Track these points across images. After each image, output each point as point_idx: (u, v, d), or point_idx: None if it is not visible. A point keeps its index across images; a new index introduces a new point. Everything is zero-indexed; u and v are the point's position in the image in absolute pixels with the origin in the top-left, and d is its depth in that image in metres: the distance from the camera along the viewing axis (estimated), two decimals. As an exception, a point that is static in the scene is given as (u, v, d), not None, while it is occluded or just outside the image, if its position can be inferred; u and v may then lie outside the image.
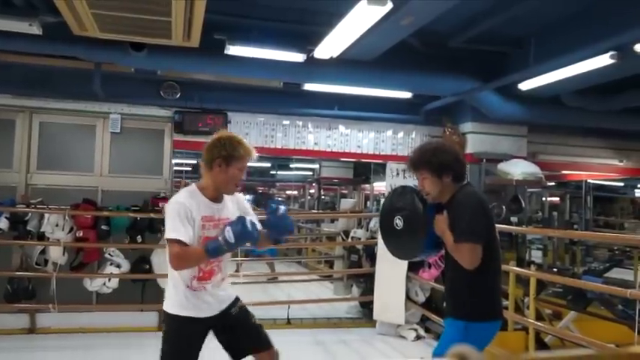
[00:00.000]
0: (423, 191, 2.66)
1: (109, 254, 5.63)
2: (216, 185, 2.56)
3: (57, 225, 5.43)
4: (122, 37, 4.53)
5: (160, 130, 6.21)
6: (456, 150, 2.74)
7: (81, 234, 5.52)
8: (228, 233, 2.34)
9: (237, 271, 8.28)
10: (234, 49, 4.89)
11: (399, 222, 2.71)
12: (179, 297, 2.59)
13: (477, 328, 2.51)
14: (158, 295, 5.80)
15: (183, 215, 2.45)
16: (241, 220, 2.38)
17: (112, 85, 5.79)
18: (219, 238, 2.37)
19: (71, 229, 5.50)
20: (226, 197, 2.65)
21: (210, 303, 2.64)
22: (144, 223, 5.71)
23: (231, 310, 2.74)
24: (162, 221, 5.79)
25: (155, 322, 5.78)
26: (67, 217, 5.45)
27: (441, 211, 2.60)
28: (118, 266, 5.60)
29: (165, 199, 5.89)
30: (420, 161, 2.66)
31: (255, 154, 2.60)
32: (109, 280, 5.54)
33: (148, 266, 5.73)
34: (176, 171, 7.03)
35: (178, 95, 6.20)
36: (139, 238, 5.70)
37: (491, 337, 2.59)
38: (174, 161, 6.46)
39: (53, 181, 5.87)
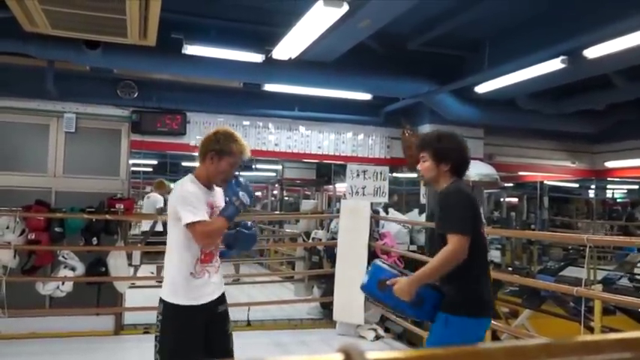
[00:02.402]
0: (421, 171, 2.68)
1: (63, 257, 5.48)
2: (207, 175, 2.70)
3: (7, 227, 5.27)
4: (75, 35, 4.43)
5: (116, 130, 6.08)
6: (463, 144, 2.70)
7: (33, 236, 5.36)
8: (244, 197, 2.60)
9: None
10: (191, 49, 4.85)
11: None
12: (182, 285, 2.63)
13: (457, 322, 2.45)
14: (114, 298, 5.71)
15: (195, 199, 2.58)
16: (246, 186, 2.67)
17: (66, 83, 5.65)
18: (234, 202, 2.59)
19: (23, 232, 5.34)
20: (216, 187, 2.79)
21: (210, 287, 2.69)
22: (99, 225, 5.59)
23: (218, 306, 2.76)
24: (118, 223, 5.71)
25: (111, 325, 5.68)
26: (18, 219, 5.28)
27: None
28: (73, 269, 5.46)
29: (122, 199, 5.79)
30: (425, 141, 2.69)
31: (248, 153, 2.73)
32: (63, 283, 5.39)
33: (104, 269, 5.61)
34: (133, 172, 6.90)
35: (136, 95, 6.10)
36: (94, 240, 5.57)
37: (475, 334, 2.49)
38: (131, 162, 6.35)
39: (4, 182, 5.67)
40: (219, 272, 2.79)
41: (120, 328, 5.75)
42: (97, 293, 5.62)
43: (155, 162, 13.65)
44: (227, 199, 2.65)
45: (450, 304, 2.50)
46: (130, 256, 6.13)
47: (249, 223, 2.91)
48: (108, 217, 5.54)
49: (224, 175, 2.67)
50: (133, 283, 6.72)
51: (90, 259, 5.63)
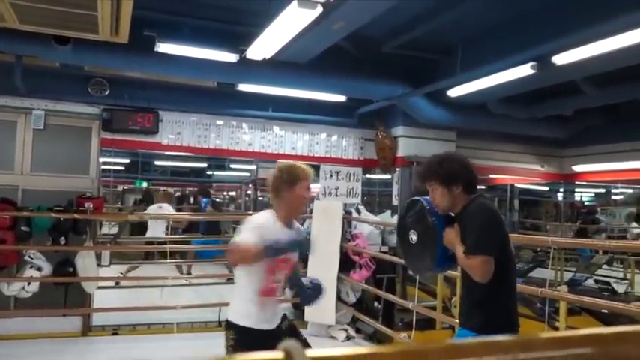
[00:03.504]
0: (434, 203, 2.56)
1: (29, 256, 5.37)
2: (288, 208, 2.83)
3: (-29, 226, 5.14)
4: (45, 30, 4.34)
5: (87, 127, 5.98)
6: (465, 159, 2.62)
7: (-2, 235, 5.24)
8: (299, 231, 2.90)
9: (189, 272, 8.17)
10: (164, 47, 4.80)
11: (413, 236, 2.65)
12: (248, 308, 2.73)
13: None
14: (82, 298, 5.62)
15: (256, 227, 2.68)
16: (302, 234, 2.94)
17: (35, 79, 5.54)
18: (281, 242, 2.68)
19: (-12, 231, 5.21)
20: (295, 224, 2.95)
21: (272, 314, 2.82)
22: (68, 224, 5.49)
23: (280, 324, 2.88)
24: (87, 222, 5.62)
25: (79, 327, 5.58)
26: (-17, 218, 5.16)
27: (451, 223, 2.52)
28: (39, 269, 5.35)
29: (91, 198, 5.69)
30: (428, 172, 2.58)
31: (312, 174, 2.93)
32: (29, 283, 5.28)
33: (71, 269, 5.51)
34: (104, 170, 6.79)
35: (107, 92, 6.00)
36: (62, 240, 5.47)
37: None
38: (102, 160, 6.25)
39: (-31, 180, 5.54)
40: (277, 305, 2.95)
41: (88, 330, 5.66)
42: (65, 294, 5.52)
43: (127, 161, 13.48)
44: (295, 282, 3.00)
45: (478, 323, 2.47)
46: (99, 256, 6.04)
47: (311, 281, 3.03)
48: (76, 216, 5.45)
49: (305, 200, 2.89)
50: (117, 282, 6.64)
51: (57, 259, 5.53)
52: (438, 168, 2.53)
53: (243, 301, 2.74)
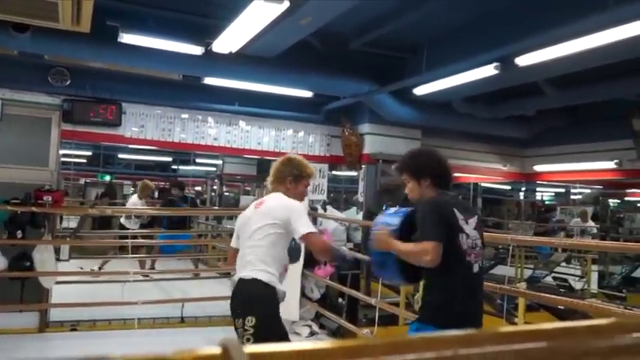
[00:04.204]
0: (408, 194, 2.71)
1: (-16, 250, 5.20)
2: (287, 195, 3.04)
3: None
4: (2, 17, 4.19)
5: (46, 118, 5.82)
6: (436, 155, 2.73)
7: (-50, 228, 5.07)
8: (350, 256, 3.54)
9: (152, 267, 8.03)
10: (128, 38, 4.71)
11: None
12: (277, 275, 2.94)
13: (428, 331, 2.37)
14: (39, 293, 5.47)
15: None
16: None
17: (-8, 68, 5.36)
18: (347, 256, 3.33)
19: (-61, 223, 5.03)
20: None
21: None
22: (25, 218, 5.33)
23: None
24: (46, 216, 5.47)
25: (36, 322, 5.43)
26: None
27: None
28: (-6, 263, 5.19)
29: (50, 191, 5.55)
30: (401, 165, 2.73)
31: (316, 173, 3.32)
32: (-17, 278, 5.12)
33: (28, 263, 5.36)
34: (65, 162, 6.63)
35: (68, 82, 5.85)
36: (19, 233, 5.32)
37: None
38: (62, 152, 6.10)
39: None
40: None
41: (45, 326, 5.51)
42: (21, 289, 5.36)
43: (90, 153, 13.21)
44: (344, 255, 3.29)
45: (422, 313, 2.53)
46: (58, 251, 5.88)
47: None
48: (34, 209, 5.30)
49: (302, 196, 3.12)
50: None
51: (14, 253, 5.36)
52: (409, 161, 2.70)
53: (271, 273, 2.89)
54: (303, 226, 2.87)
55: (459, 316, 2.47)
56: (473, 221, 2.58)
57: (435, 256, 2.38)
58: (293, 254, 3.15)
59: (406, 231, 2.54)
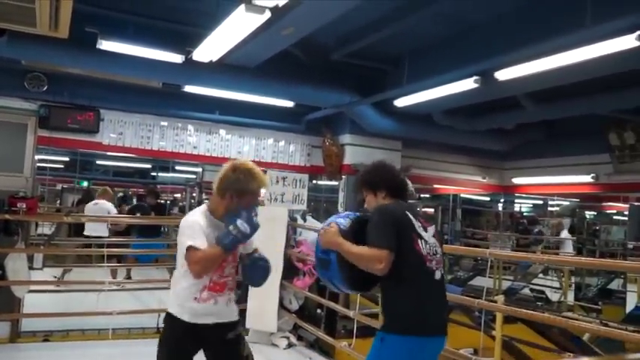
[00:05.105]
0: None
1: (-46, 259, 5.07)
2: (226, 211, 2.60)
3: None
4: (-23, 21, 4.11)
5: (22, 124, 5.72)
6: (388, 168, 2.74)
7: None
8: (243, 226, 2.47)
9: (128, 277, 7.88)
10: (107, 44, 4.65)
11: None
12: (183, 304, 2.60)
13: (391, 340, 2.41)
14: (11, 303, 5.34)
15: (197, 227, 2.54)
16: (249, 216, 2.52)
17: (-34, 72, 5.26)
18: (232, 231, 2.46)
19: None
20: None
21: (213, 313, 2.63)
22: (-3, 225, 5.22)
23: (228, 332, 2.69)
24: (19, 223, 5.35)
25: (7, 332, 5.29)
26: None
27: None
28: (-36, 272, 5.06)
29: (25, 198, 5.43)
30: (359, 180, 2.77)
31: (267, 185, 2.80)
32: (-48, 287, 4.98)
33: (0, 272, 5.23)
34: (41, 168, 6.51)
35: (45, 88, 5.77)
36: (-10, 241, 5.19)
37: (412, 352, 2.41)
38: (38, 157, 5.99)
39: None
40: (231, 301, 2.73)
41: (16, 336, 5.37)
42: (-8, 298, 5.24)
43: (67, 159, 12.99)
44: (226, 228, 2.52)
45: (385, 323, 2.48)
46: (31, 259, 5.76)
47: (260, 256, 2.80)
48: (7, 216, 5.19)
49: (249, 205, 2.63)
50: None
51: (-15, 262, 5.24)
52: (365, 176, 2.73)
53: (178, 294, 2.61)
54: (183, 240, 2.54)
55: (422, 325, 2.44)
56: (432, 229, 2.59)
57: (386, 266, 2.35)
58: (247, 275, 2.83)
59: (357, 236, 2.49)
